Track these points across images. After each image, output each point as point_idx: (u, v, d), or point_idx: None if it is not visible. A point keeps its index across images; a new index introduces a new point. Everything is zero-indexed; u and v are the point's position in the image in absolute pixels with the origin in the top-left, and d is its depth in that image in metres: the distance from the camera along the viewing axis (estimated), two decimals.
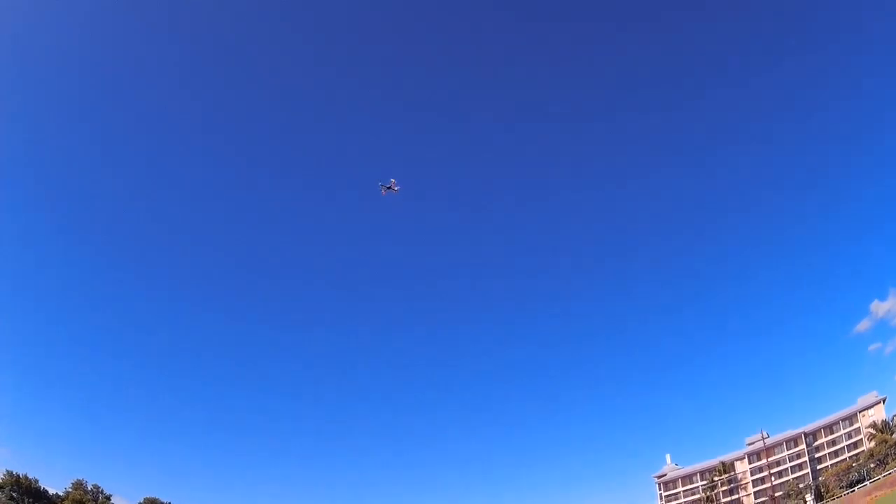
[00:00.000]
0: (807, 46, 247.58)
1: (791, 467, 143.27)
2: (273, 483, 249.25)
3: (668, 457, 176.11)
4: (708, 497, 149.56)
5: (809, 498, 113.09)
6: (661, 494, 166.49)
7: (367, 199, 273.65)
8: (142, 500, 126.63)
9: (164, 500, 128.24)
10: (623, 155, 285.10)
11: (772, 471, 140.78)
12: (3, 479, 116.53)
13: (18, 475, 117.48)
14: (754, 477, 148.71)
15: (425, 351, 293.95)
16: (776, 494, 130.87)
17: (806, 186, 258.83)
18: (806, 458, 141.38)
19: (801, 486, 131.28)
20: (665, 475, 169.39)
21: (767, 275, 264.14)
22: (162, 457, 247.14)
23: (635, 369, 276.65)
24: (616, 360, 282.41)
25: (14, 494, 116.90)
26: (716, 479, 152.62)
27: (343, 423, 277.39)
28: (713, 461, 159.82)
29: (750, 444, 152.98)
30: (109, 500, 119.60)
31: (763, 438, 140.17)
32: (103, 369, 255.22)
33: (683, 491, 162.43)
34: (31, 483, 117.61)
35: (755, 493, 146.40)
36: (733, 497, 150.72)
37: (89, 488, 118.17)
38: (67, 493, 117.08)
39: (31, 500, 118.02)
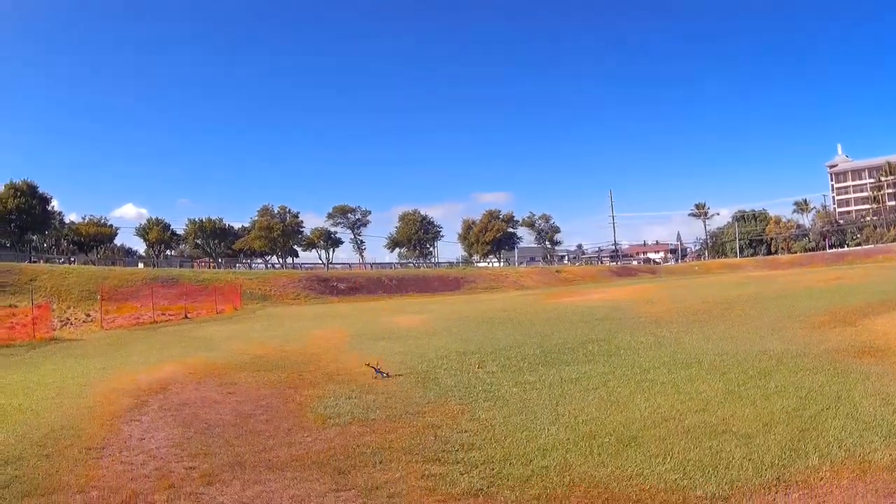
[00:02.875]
0: None
1: None
2: None
3: (839, 147, 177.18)
4: (874, 197, 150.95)
5: None
6: (832, 185, 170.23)
7: None
8: (330, 210, 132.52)
9: (353, 205, 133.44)
10: None
11: None
12: (186, 229, 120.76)
13: (201, 220, 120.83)
14: None
15: None
16: None
17: None
18: None
19: None
20: (837, 165, 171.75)
21: None
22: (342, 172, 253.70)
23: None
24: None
25: (198, 241, 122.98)
26: (882, 178, 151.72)
27: None
28: (881, 159, 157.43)
29: None
30: (297, 217, 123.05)
31: None
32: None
33: (853, 185, 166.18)
34: (214, 224, 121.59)
35: None
36: None
37: (276, 211, 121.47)
38: (254, 222, 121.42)
39: (216, 240, 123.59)
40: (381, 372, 15.10)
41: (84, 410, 12.12)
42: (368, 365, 15.54)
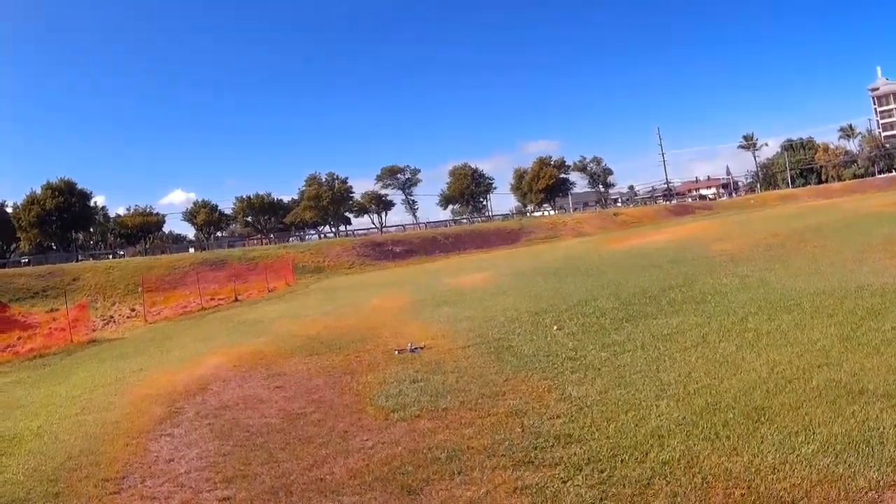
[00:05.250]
0: None
1: None
2: None
3: (878, 69, 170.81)
4: None
5: None
6: (875, 109, 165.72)
7: None
8: (379, 172, 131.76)
9: (402, 165, 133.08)
10: None
11: None
12: (234, 207, 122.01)
13: (249, 197, 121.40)
14: None
15: None
16: None
17: None
18: None
19: None
20: (878, 88, 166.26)
21: None
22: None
23: None
24: None
25: (248, 219, 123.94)
26: None
27: None
28: None
29: None
30: (346, 182, 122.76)
31: None
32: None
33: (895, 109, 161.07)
34: (262, 199, 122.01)
35: None
36: None
37: (323, 179, 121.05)
38: (303, 192, 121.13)
39: (266, 215, 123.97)
40: (414, 349, 14.28)
41: (108, 427, 10.83)
42: (399, 351, 14.44)
